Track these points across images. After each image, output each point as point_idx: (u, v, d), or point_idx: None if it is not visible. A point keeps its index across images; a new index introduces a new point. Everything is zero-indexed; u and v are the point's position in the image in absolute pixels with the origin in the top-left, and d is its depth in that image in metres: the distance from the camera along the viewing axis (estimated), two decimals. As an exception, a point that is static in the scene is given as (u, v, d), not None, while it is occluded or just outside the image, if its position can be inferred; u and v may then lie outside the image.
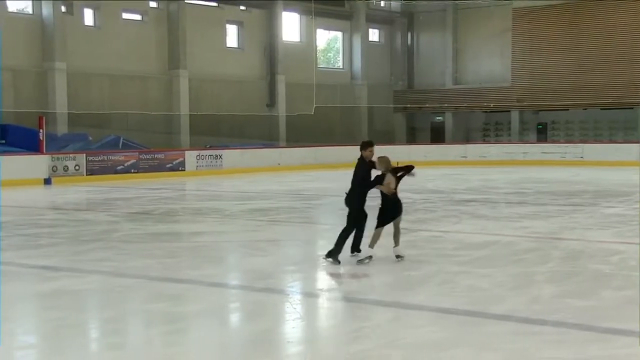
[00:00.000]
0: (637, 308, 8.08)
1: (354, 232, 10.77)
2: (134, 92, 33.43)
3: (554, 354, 6.53)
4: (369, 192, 10.73)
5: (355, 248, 10.91)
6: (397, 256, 10.71)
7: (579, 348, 6.71)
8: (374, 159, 10.82)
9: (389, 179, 10.70)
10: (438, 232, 13.68)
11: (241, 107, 36.53)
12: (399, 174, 10.86)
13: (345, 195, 10.89)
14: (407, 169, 10.99)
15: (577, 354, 6.54)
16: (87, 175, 27.38)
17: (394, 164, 10.92)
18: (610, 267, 10.33)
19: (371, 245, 10.59)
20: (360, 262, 10.56)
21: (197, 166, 31.03)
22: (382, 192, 10.73)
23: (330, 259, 10.59)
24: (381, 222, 10.66)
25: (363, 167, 10.73)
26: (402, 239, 10.89)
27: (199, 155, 31.38)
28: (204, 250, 12.43)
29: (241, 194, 23.12)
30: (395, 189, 10.75)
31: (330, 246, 10.74)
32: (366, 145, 10.77)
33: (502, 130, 42.79)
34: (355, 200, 10.67)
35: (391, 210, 10.68)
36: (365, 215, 10.80)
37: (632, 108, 37.76)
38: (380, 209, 10.72)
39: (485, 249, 11.94)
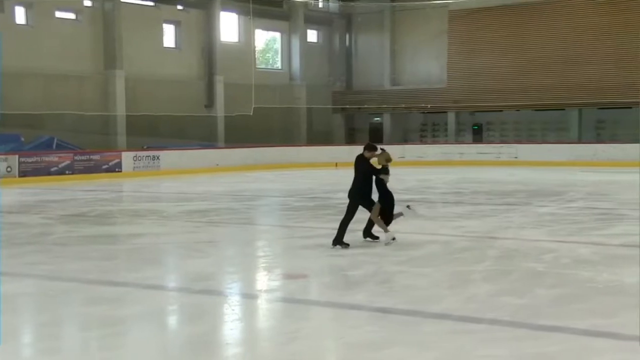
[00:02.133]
0: (569, 305, 8.30)
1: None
2: (68, 92, 32.85)
3: (489, 351, 6.65)
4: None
5: (369, 234, 12.29)
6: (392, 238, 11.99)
7: (513, 345, 6.84)
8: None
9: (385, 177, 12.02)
10: (376, 232, 13.78)
11: (179, 108, 36.21)
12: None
13: (349, 190, 12.20)
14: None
15: (512, 351, 6.67)
16: (19, 177, 26.84)
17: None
18: (544, 265, 10.55)
19: (386, 230, 11.94)
20: (387, 244, 11.85)
21: (134, 167, 30.67)
22: (380, 184, 11.96)
23: (338, 246, 11.70)
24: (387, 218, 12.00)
25: (365, 164, 11.99)
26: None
27: (136, 156, 31.03)
28: (142, 253, 12.31)
29: (179, 195, 22.94)
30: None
31: (270, 246, 10.75)
32: (372, 149, 12.12)
33: (439, 131, 43.31)
34: (363, 192, 11.96)
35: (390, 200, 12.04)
36: (373, 202, 11.98)
37: (563, 109, 38.61)
38: (380, 198, 11.99)
39: (422, 249, 12.09)
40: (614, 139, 37.44)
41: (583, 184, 24.57)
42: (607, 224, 14.93)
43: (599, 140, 38.15)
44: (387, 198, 12.02)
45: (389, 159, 12.09)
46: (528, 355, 6.56)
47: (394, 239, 11.97)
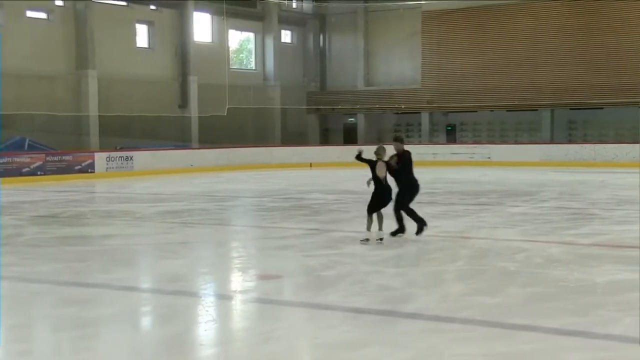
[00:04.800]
0: (541, 304, 8.36)
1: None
2: (40, 93, 32.58)
3: (462, 350, 6.69)
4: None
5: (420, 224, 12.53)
6: (380, 238, 12.17)
7: (486, 344, 6.88)
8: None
9: (380, 165, 12.28)
10: (350, 232, 13.81)
11: (152, 108, 36.05)
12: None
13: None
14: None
15: (485, 350, 6.71)
16: (-10, 177, 26.56)
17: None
18: (516, 264, 10.63)
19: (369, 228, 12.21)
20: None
21: (107, 168, 30.49)
22: (376, 180, 12.26)
23: (420, 232, 12.31)
24: (370, 208, 12.21)
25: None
26: (314, 239, 10.98)
27: (109, 157, 30.85)
28: (115, 254, 12.23)
29: (153, 196, 22.83)
30: (385, 176, 12.28)
31: (244, 247, 10.74)
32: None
33: (413, 131, 43.46)
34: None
35: (382, 199, 12.25)
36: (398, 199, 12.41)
37: (536, 110, 38.93)
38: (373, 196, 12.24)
39: (396, 249, 12.12)
40: (585, 140, 37.83)
41: (555, 184, 24.78)
42: (578, 223, 15.08)
43: (570, 140, 38.51)
44: (376, 198, 12.40)
45: (383, 155, 12.62)
46: (500, 354, 6.60)
47: (365, 241, 12.23)
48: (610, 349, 6.74)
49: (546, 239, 12.87)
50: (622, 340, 6.91)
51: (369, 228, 12.20)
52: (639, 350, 6.71)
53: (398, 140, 12.82)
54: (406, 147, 12.80)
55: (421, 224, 12.48)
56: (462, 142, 40.66)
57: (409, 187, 12.47)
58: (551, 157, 34.77)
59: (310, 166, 35.89)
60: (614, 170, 30.12)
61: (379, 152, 12.39)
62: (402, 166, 12.34)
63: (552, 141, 38.35)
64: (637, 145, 34.39)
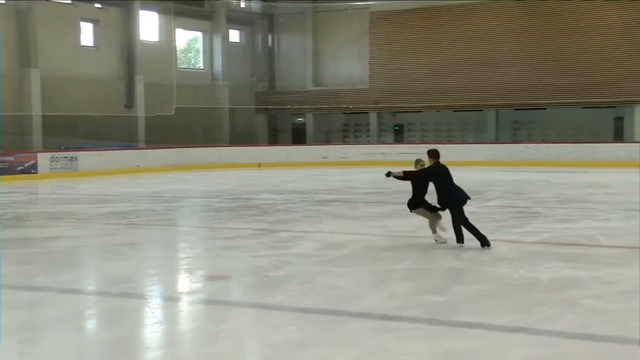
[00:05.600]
0: (488, 301, 8.49)
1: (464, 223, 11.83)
2: (-18, 92, 31.94)
3: (409, 348, 6.76)
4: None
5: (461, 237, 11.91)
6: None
7: (432, 342, 6.96)
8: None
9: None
10: (299, 232, 13.83)
11: (98, 108, 35.60)
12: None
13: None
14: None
15: (431, 347, 6.79)
16: None
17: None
18: (463, 263, 10.77)
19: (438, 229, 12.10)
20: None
21: (51, 168, 30.02)
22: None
23: (486, 246, 11.50)
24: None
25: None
26: (263, 239, 10.96)
27: (52, 157, 30.37)
28: (59, 256, 12.06)
29: (98, 197, 22.54)
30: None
31: (191, 247, 10.68)
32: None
33: (361, 131, 43.68)
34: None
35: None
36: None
37: (481, 110, 39.42)
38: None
39: (345, 249, 12.18)
40: (529, 140, 38.45)
41: (500, 183, 25.15)
42: (523, 222, 15.31)
43: (515, 140, 39.10)
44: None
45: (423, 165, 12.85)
46: (446, 352, 6.69)
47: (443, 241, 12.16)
48: (553, 344, 6.87)
49: (492, 238, 12.99)
50: (564, 336, 7.06)
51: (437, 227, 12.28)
52: (580, 346, 6.85)
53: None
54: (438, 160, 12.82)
55: (482, 238, 11.75)
56: (409, 142, 40.96)
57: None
58: (497, 157, 35.25)
59: (259, 166, 35.82)
60: (557, 169, 30.67)
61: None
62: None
63: (497, 141, 38.88)
64: (580, 144, 35.12)
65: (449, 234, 11.96)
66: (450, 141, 40.12)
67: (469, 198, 12.11)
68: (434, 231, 12.16)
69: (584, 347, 6.83)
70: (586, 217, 15.91)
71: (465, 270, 10.35)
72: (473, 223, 11.77)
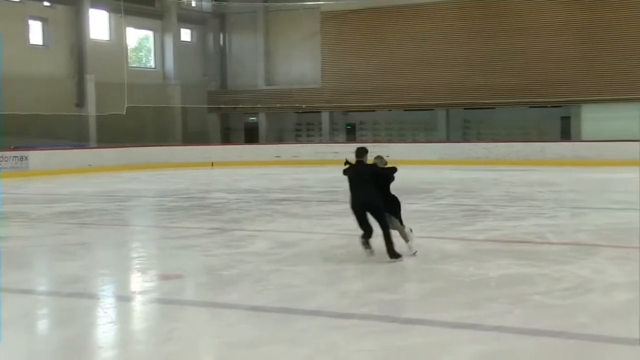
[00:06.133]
0: (437, 298, 8.59)
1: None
2: None
3: (361, 345, 6.81)
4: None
5: (394, 253, 10.65)
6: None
7: (384, 339, 7.03)
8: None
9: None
10: (252, 231, 13.82)
11: (48, 107, 35.05)
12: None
13: (358, 201, 10.92)
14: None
15: (383, 344, 6.86)
16: None
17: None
18: (414, 260, 10.86)
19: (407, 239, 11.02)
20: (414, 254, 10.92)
21: (0, 168, 29.49)
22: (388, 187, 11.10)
23: (394, 259, 10.49)
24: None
25: (371, 168, 11.12)
26: (216, 238, 10.94)
27: (1, 157, 29.87)
28: (9, 256, 11.85)
29: (49, 196, 22.23)
30: None
31: (144, 247, 10.62)
32: (366, 152, 11.24)
33: (314, 130, 43.75)
34: (380, 198, 10.91)
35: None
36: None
37: (432, 109, 39.78)
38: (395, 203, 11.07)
39: (297, 247, 12.20)
40: (479, 138, 38.92)
41: (450, 181, 25.39)
42: (473, 219, 15.49)
43: (465, 139, 39.52)
44: (395, 200, 11.20)
45: (386, 163, 11.45)
46: (396, 348, 6.75)
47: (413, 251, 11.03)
48: (502, 340, 6.98)
49: (442, 235, 13.20)
50: (513, 332, 7.17)
51: (407, 238, 11.12)
52: (528, 341, 6.97)
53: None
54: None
55: (392, 250, 10.74)
56: (361, 141, 41.05)
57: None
58: (447, 156, 35.61)
59: (212, 165, 35.66)
60: (506, 168, 31.10)
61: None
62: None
63: (448, 140, 39.28)
64: (528, 143, 35.67)
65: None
66: (402, 140, 40.39)
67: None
68: (408, 240, 11.11)
69: (532, 342, 6.95)
70: (534, 214, 16.16)
71: (415, 268, 10.45)
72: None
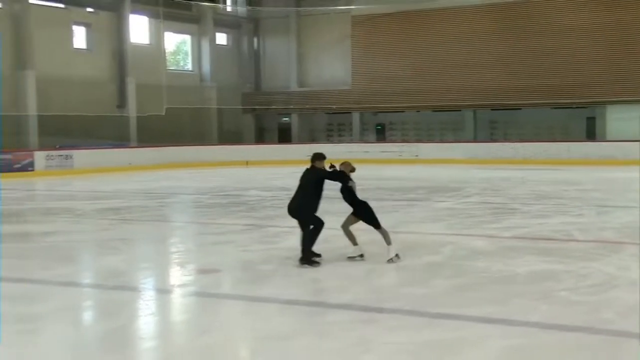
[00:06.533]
0: (465, 293, 8.54)
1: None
2: (-21, 92, 31.71)
3: (390, 339, 6.80)
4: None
5: (308, 259, 10.20)
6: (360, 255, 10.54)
7: (413, 333, 7.01)
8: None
9: (352, 183, 10.57)
10: (286, 227, 13.82)
11: (91, 108, 35.41)
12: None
13: (290, 205, 10.58)
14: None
15: (412, 338, 6.83)
16: None
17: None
18: (442, 257, 10.81)
19: (355, 243, 10.52)
20: (355, 258, 10.42)
21: (47, 166, 29.88)
22: (352, 193, 10.57)
23: (306, 265, 10.06)
24: (355, 220, 10.55)
25: (330, 175, 10.52)
26: (251, 235, 10.97)
27: (48, 156, 30.24)
28: (56, 250, 12.03)
29: (93, 193, 22.47)
30: None
31: (183, 242, 10.68)
32: (322, 157, 10.65)
33: (344, 130, 43.70)
34: (310, 208, 10.40)
35: (367, 210, 10.58)
36: (322, 221, 10.39)
37: (459, 110, 39.53)
38: (357, 208, 10.55)
39: (329, 243, 12.17)
40: (506, 138, 38.62)
41: (478, 180, 25.22)
42: (500, 217, 15.38)
43: (492, 139, 39.23)
44: (364, 207, 10.63)
45: (352, 169, 10.77)
46: (426, 342, 6.73)
47: (361, 256, 10.53)
48: (529, 335, 6.93)
49: (470, 233, 13.11)
50: (540, 327, 7.12)
51: (355, 242, 10.65)
52: (555, 336, 6.91)
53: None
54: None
55: (308, 256, 10.26)
56: (391, 141, 41.02)
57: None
58: (474, 155, 35.37)
59: (247, 164, 35.76)
60: (532, 167, 30.82)
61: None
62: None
63: (475, 140, 39.02)
64: (554, 143, 35.31)
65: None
66: (430, 140, 40.18)
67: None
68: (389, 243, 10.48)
69: (559, 337, 6.89)
70: (560, 212, 16.01)
71: (444, 264, 10.39)
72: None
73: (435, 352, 6.51)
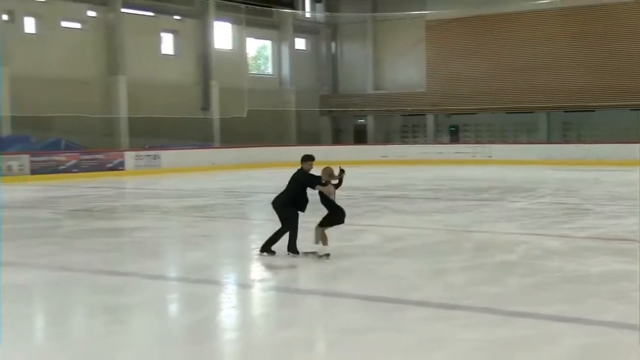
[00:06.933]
0: (539, 292, 8.33)
1: (288, 233, 10.49)
2: (75, 96, 32.65)
3: (466, 336, 6.67)
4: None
5: (292, 249, 10.44)
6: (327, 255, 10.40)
7: (488, 330, 6.86)
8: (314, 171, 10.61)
9: (331, 188, 10.48)
10: (361, 225, 13.78)
11: (177, 111, 36.10)
12: (336, 184, 10.67)
13: (274, 199, 10.70)
14: (340, 180, 10.78)
15: (486, 335, 6.69)
16: (30, 174, 26.71)
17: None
18: (516, 256, 10.59)
19: (317, 242, 10.41)
20: (320, 257, 10.26)
21: (136, 166, 30.58)
22: (324, 197, 10.40)
23: (265, 253, 10.45)
24: (328, 223, 10.44)
25: (304, 177, 10.53)
26: (328, 232, 10.91)
27: (137, 156, 30.94)
28: (144, 245, 12.28)
29: (178, 191, 22.87)
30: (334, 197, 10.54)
31: (262, 239, 10.75)
32: (307, 159, 10.65)
33: (419, 132, 43.38)
34: (291, 205, 10.50)
35: (339, 215, 10.44)
36: (294, 224, 10.50)
37: (532, 112, 38.76)
38: (330, 212, 10.43)
39: (404, 241, 12.10)
40: (579, 140, 37.65)
41: (551, 181, 24.66)
42: (574, 218, 14.98)
43: (566, 140, 38.33)
44: (338, 212, 10.45)
45: (331, 175, 10.57)
46: (501, 339, 6.58)
47: (328, 255, 10.30)
48: (605, 334, 6.70)
49: (544, 232, 12.81)
50: (615, 326, 6.88)
51: (319, 241, 10.44)
52: (632, 336, 6.66)
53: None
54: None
55: (269, 246, 10.59)
56: (464, 142, 40.53)
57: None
58: (548, 156, 34.59)
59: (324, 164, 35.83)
60: (606, 168, 29.94)
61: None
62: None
63: (548, 141, 38.18)
64: (628, 145, 34.22)
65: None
66: (503, 141, 39.49)
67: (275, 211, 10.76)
68: (316, 242, 10.39)
69: (635, 337, 6.63)
70: (634, 213, 15.45)
71: (517, 263, 10.17)
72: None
73: (510, 349, 6.35)
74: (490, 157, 35.73)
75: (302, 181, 10.48)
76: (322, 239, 10.38)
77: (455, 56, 39.95)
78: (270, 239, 10.57)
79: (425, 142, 40.87)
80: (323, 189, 10.36)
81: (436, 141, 41.06)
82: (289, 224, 10.49)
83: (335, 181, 10.58)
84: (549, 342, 6.49)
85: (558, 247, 11.24)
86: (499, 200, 18.78)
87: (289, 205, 10.53)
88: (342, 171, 10.63)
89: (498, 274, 9.43)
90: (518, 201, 18.17)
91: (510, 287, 8.66)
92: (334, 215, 10.42)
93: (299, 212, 10.54)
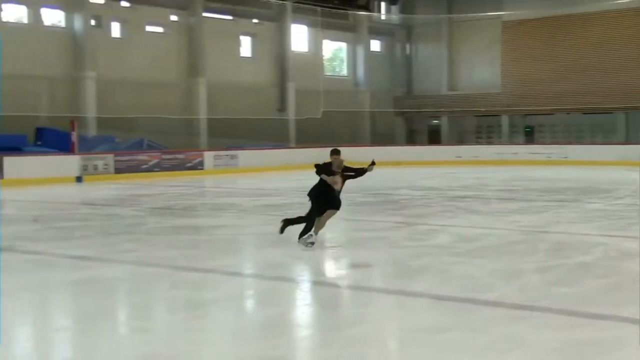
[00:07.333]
0: (617, 294, 8.07)
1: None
2: (157, 98, 33.43)
3: (541, 336, 6.52)
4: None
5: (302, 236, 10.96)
6: (310, 243, 10.70)
7: (564, 332, 6.69)
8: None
9: (337, 178, 10.83)
10: (435, 225, 13.66)
11: (255, 112, 36.52)
12: (347, 174, 11.06)
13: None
14: (358, 172, 11.20)
15: (563, 337, 6.53)
16: (115, 173, 27.44)
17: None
18: (593, 257, 10.31)
19: (316, 233, 10.74)
20: (306, 244, 10.69)
21: (215, 165, 31.04)
22: (327, 184, 10.82)
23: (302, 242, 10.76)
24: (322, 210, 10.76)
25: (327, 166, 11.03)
26: (402, 232, 10.88)
27: (216, 155, 31.39)
28: (222, 242, 12.45)
29: (255, 190, 23.12)
30: (340, 188, 10.95)
31: (337, 238, 10.76)
32: (331, 153, 11.21)
33: (493, 132, 42.71)
34: (316, 194, 11.11)
35: (335, 201, 10.81)
36: (312, 216, 10.98)
37: (611, 113, 37.68)
38: (326, 199, 10.78)
39: (478, 241, 11.92)
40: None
41: (630, 182, 23.85)
42: (653, 219, 14.48)
43: (645, 141, 37.10)
44: (330, 201, 10.77)
45: (340, 166, 10.93)
46: (577, 341, 6.41)
47: (312, 243, 10.70)
48: (685, 339, 6.45)
49: (621, 234, 12.42)
50: (697, 331, 6.60)
51: (317, 231, 10.84)
52: None
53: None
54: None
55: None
56: (540, 143, 39.69)
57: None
58: (626, 157, 33.48)
59: (398, 164, 35.65)
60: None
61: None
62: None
63: (627, 142, 37.03)
64: None
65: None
66: (580, 142, 38.48)
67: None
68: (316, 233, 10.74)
69: None
70: None
71: (594, 264, 9.89)
72: None
73: (585, 351, 6.18)
74: (566, 157, 34.88)
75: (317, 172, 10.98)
76: (319, 228, 10.70)
77: (530, 57, 39.20)
78: (300, 221, 10.94)
79: (500, 143, 40.20)
80: (327, 178, 10.75)
81: (511, 142, 40.31)
82: (309, 212, 10.86)
83: (350, 173, 11.05)
84: (626, 344, 6.29)
85: (636, 249, 10.87)
86: (575, 202, 18.32)
87: (319, 195, 10.93)
88: (372, 163, 11.32)
89: (574, 275, 9.19)
90: (595, 202, 17.68)
91: (586, 289, 8.43)
92: (329, 204, 10.72)
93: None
